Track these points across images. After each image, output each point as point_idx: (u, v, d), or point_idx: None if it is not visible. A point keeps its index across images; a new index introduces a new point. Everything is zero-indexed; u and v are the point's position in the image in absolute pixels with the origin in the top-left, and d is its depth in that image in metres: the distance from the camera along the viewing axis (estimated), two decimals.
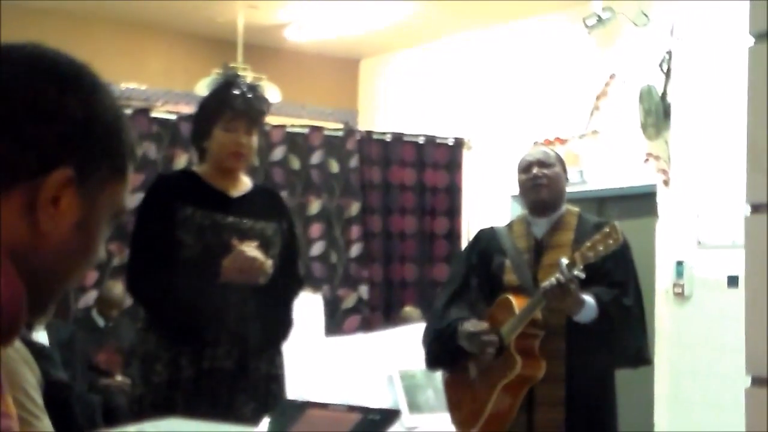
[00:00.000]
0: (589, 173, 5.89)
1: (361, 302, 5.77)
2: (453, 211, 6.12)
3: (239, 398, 2.60)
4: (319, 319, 4.92)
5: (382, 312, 5.88)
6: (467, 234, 6.06)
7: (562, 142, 6.16)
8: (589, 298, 2.74)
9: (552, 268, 2.76)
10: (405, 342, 4.52)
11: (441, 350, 2.97)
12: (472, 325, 2.84)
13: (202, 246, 2.58)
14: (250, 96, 2.69)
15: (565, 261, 2.67)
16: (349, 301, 5.74)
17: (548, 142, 6.20)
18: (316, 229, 5.68)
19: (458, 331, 2.86)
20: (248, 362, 2.61)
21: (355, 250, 5.78)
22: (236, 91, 2.68)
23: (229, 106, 2.65)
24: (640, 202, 5.59)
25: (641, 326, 2.86)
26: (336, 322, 5.62)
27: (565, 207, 2.99)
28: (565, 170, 3.02)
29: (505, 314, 2.84)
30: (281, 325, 2.73)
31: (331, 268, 5.70)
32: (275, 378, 2.69)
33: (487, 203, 6.66)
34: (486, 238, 3.07)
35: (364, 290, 5.78)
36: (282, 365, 2.74)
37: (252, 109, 2.68)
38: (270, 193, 2.92)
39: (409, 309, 5.68)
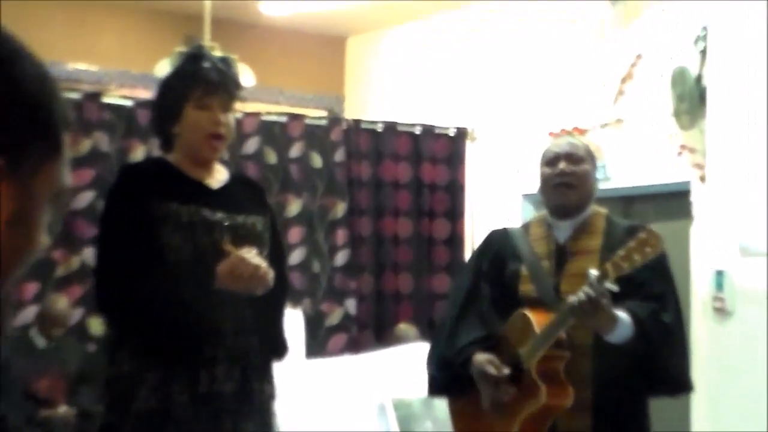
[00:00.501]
0: (613, 168, 5.90)
1: (348, 318, 5.78)
2: (455, 213, 6.14)
3: (241, 425, 2.62)
4: (299, 338, 4.91)
5: (372, 330, 5.90)
6: (471, 239, 6.14)
7: (582, 132, 6.15)
8: (623, 315, 2.73)
9: (576, 278, 2.79)
10: (399, 365, 4.60)
11: (449, 378, 3.00)
12: (489, 365, 2.85)
13: (192, 247, 2.58)
14: (223, 67, 2.71)
15: (594, 272, 2.66)
16: (334, 317, 5.76)
17: (565, 133, 6.19)
18: (295, 234, 5.68)
19: (472, 364, 2.88)
20: (251, 383, 2.65)
21: (340, 257, 5.80)
22: (207, 63, 2.69)
23: (201, 80, 2.66)
24: (673, 202, 5.59)
25: (682, 347, 2.86)
26: (319, 341, 5.64)
27: (592, 208, 2.99)
28: (594, 166, 3.02)
29: (523, 333, 2.84)
30: (280, 337, 2.78)
31: (313, 278, 5.71)
32: (274, 398, 2.76)
33: (495, 203, 6.71)
34: (498, 241, 3.09)
35: (351, 304, 5.80)
36: (275, 382, 2.80)
37: (228, 81, 2.70)
38: (250, 184, 2.94)
39: (403, 326, 5.68)
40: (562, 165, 2.94)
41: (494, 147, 6.67)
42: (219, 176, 2.77)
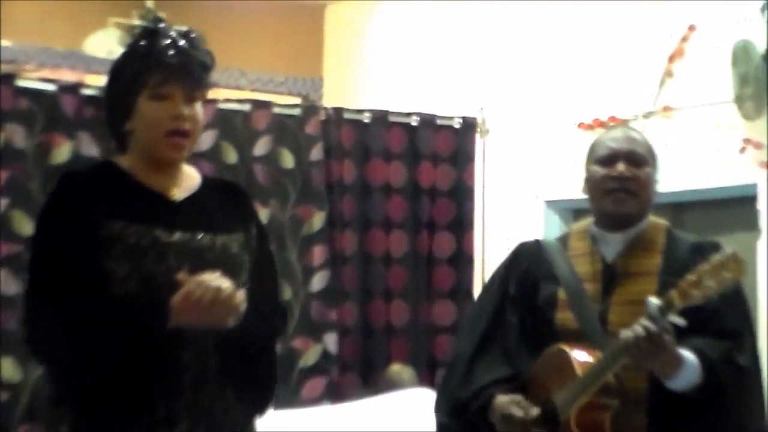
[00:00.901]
0: (659, 168, 5.83)
1: (328, 358, 5.75)
2: (461, 225, 6.12)
3: None
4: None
5: (358, 372, 5.88)
6: (482, 258, 6.13)
7: (619, 123, 6.12)
8: (688, 355, 2.74)
9: (628, 306, 2.83)
10: (391, 416, 4.65)
11: (463, 427, 3.04)
12: (514, 405, 2.88)
13: (139, 277, 2.60)
14: (186, 46, 2.70)
15: (656, 301, 2.66)
16: (310, 356, 5.73)
17: (599, 124, 6.28)
18: None
19: (492, 408, 2.92)
20: None
21: (318, 281, 5.77)
22: (165, 41, 2.69)
23: (157, 63, 2.67)
24: (734, 210, 5.59)
25: (759, 395, 2.86)
26: (290, 387, 5.61)
27: (649, 219, 3.03)
28: (656, 167, 3.06)
29: (560, 374, 2.87)
30: (261, 383, 2.80)
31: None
32: None
33: (511, 212, 6.74)
34: (529, 257, 3.15)
35: (331, 340, 5.76)
36: None
37: (193, 63, 2.70)
38: (229, 190, 2.94)
39: (397, 368, 5.65)
40: (621, 167, 2.96)
41: (510, 142, 6.69)
42: (187, 183, 2.78)
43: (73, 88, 5.26)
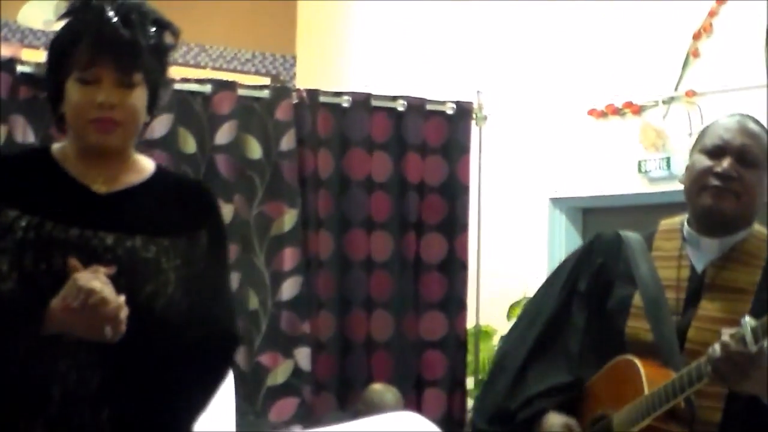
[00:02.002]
0: (682, 162, 5.75)
1: (300, 375, 5.75)
2: (454, 225, 6.12)
3: None
4: (228, 405, 4.82)
5: (333, 392, 5.89)
6: (477, 263, 6.16)
7: (636, 110, 6.30)
8: None
9: (715, 325, 2.82)
10: None
11: None
12: (564, 428, 2.95)
13: (18, 275, 2.61)
14: (120, 22, 2.68)
15: (751, 321, 2.65)
16: (279, 373, 5.74)
17: (613, 110, 6.41)
18: None
19: (541, 424, 2.98)
20: None
21: (288, 288, 5.78)
22: (97, 16, 2.69)
23: (85, 42, 2.66)
24: None
25: None
26: (257, 408, 5.62)
27: (754, 228, 3.02)
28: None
29: (625, 389, 2.89)
30: (163, 417, 2.74)
31: (249, 318, 5.69)
32: None
33: (513, 211, 6.84)
34: (606, 252, 3.16)
35: (303, 356, 5.76)
36: None
37: (127, 44, 2.67)
38: (187, 188, 2.96)
39: (378, 388, 5.66)
40: (727, 163, 2.92)
41: (511, 131, 6.78)
42: (127, 177, 2.77)
43: (6, 65, 5.22)
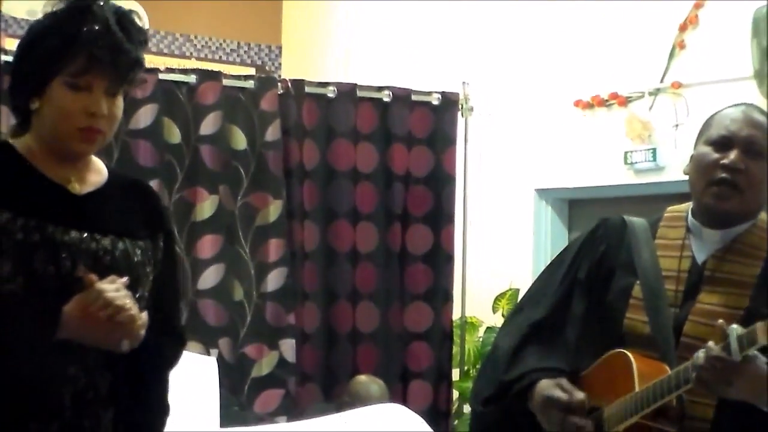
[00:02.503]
0: (668, 154, 5.97)
1: (284, 367, 5.76)
2: (440, 216, 6.14)
3: None
4: (212, 396, 4.85)
5: (318, 384, 5.91)
6: (463, 255, 6.17)
7: (622, 101, 6.28)
8: None
9: (712, 318, 2.78)
10: None
11: (500, 416, 3.09)
12: (556, 388, 2.93)
13: (24, 278, 2.58)
14: (120, 34, 2.66)
15: (738, 329, 2.63)
16: (264, 364, 5.75)
17: (599, 102, 6.39)
18: (207, 245, 5.67)
19: (533, 391, 2.97)
20: None
21: (273, 279, 5.78)
22: (97, 24, 2.65)
23: (84, 50, 2.63)
24: None
25: None
26: (241, 400, 5.62)
27: (761, 218, 2.99)
28: None
29: (616, 383, 2.89)
30: (153, 411, 2.83)
31: (234, 309, 5.71)
32: None
33: (499, 202, 6.86)
34: (610, 238, 3.13)
35: (288, 347, 5.76)
36: None
37: (124, 57, 2.67)
38: (138, 188, 2.97)
39: (364, 379, 5.68)
40: (734, 155, 2.88)
41: (497, 121, 6.75)
42: (92, 177, 2.78)
43: None
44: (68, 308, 2.53)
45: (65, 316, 2.53)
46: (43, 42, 2.68)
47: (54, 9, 2.76)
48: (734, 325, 2.64)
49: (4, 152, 2.72)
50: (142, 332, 2.59)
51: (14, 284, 2.57)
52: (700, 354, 2.66)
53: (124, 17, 2.73)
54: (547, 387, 2.96)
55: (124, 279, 2.60)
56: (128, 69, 2.69)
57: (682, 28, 5.92)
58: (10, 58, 5.01)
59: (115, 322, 2.53)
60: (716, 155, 2.92)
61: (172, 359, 2.87)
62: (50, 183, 2.68)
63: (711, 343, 2.66)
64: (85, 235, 2.65)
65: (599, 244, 3.15)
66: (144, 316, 2.60)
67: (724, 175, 2.88)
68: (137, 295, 2.67)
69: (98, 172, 2.79)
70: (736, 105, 3.06)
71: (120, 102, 2.70)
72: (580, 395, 2.90)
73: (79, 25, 2.65)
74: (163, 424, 2.84)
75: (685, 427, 2.82)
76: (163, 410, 2.84)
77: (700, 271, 2.94)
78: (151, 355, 2.71)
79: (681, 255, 2.96)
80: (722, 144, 2.92)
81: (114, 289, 2.55)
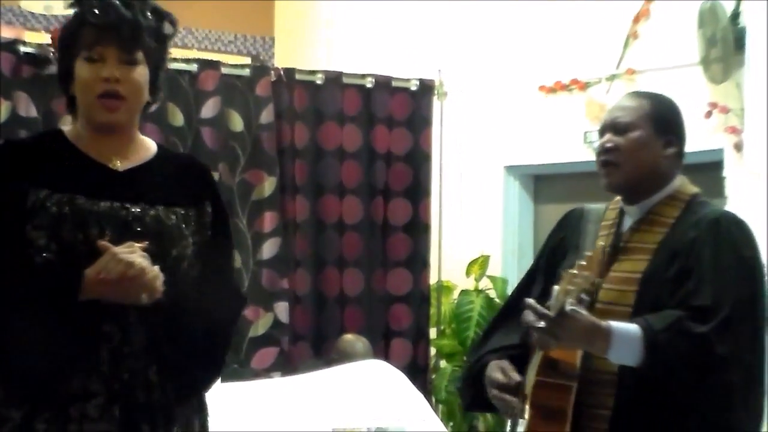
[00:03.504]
0: (675, 127, 5.87)
1: (278, 327, 5.77)
2: (418, 191, 6.14)
3: None
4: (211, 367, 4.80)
5: (309, 342, 5.91)
6: (439, 225, 6.19)
7: (581, 86, 6.23)
8: (628, 328, 2.71)
9: (620, 285, 2.84)
10: (345, 389, 4.62)
11: (470, 393, 3.13)
12: (497, 370, 2.95)
13: (57, 246, 2.60)
14: (120, 4, 2.67)
15: (556, 288, 2.70)
16: (260, 325, 5.76)
17: (561, 86, 6.34)
18: None
19: (485, 373, 2.99)
20: (139, 427, 2.64)
21: (268, 248, 5.79)
22: (101, 1, 2.67)
23: (90, 23, 2.66)
24: (699, 177, 5.33)
25: (742, 380, 2.72)
26: (239, 358, 5.63)
27: (674, 187, 2.96)
28: (668, 129, 2.96)
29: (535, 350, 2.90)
30: (196, 366, 2.76)
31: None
32: None
33: (471, 178, 6.77)
34: (569, 226, 3.14)
35: (282, 309, 5.78)
36: (204, 423, 2.81)
37: (127, 23, 2.65)
38: (187, 162, 2.96)
39: (350, 338, 5.67)
40: (605, 137, 2.93)
41: (469, 105, 6.69)
42: (137, 154, 2.76)
43: (9, 46, 5.19)
44: (88, 271, 2.54)
45: (86, 278, 2.53)
46: (63, 31, 2.72)
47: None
48: (556, 286, 2.69)
49: (52, 137, 2.75)
50: (158, 283, 2.57)
51: (50, 253, 2.58)
52: (527, 312, 2.73)
53: None
54: (491, 368, 2.98)
55: (143, 243, 2.58)
56: (134, 35, 2.65)
57: (636, 19, 5.87)
58: (29, 50, 5.21)
59: (128, 278, 2.52)
60: (598, 143, 2.98)
61: (233, 312, 2.88)
62: (92, 162, 2.68)
63: (531, 302, 2.73)
64: (116, 204, 2.63)
65: (559, 233, 3.15)
66: (155, 268, 2.57)
67: (603, 157, 2.91)
68: (173, 255, 2.66)
69: (145, 150, 2.77)
70: (623, 97, 3.07)
71: (140, 70, 2.66)
72: (515, 376, 2.90)
73: (85, 6, 2.67)
74: (211, 376, 2.77)
75: (594, 380, 2.83)
76: (214, 364, 2.79)
77: (618, 244, 2.93)
78: (201, 309, 2.69)
79: (609, 232, 2.96)
80: (601, 132, 2.96)
81: (127, 251, 2.54)
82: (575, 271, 2.65)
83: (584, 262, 2.67)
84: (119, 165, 2.71)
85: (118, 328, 2.62)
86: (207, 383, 2.77)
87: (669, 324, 2.68)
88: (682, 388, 2.71)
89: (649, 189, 2.92)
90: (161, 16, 2.75)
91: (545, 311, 2.66)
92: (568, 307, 2.64)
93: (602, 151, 2.92)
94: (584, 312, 2.69)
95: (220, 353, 2.81)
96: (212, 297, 2.72)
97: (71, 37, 2.68)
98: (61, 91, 2.78)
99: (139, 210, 2.66)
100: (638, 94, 3.06)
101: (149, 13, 2.72)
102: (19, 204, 2.59)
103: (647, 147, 2.91)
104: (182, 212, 2.72)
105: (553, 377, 2.80)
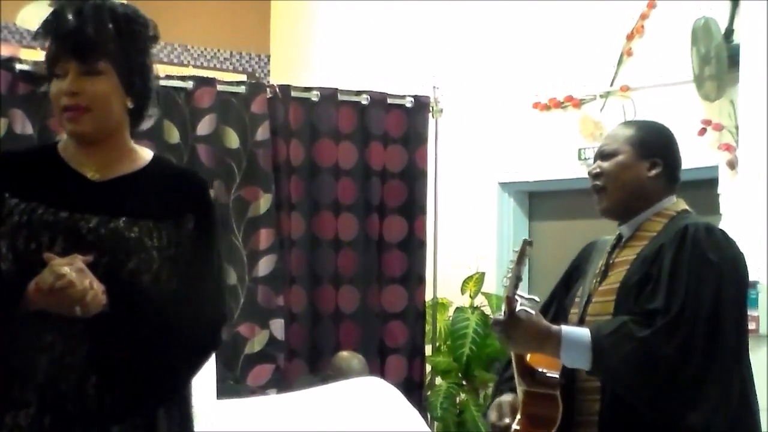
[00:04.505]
0: (664, 151, 5.89)
1: (274, 344, 5.75)
2: (413, 208, 6.12)
3: None
4: (209, 371, 4.80)
5: (305, 359, 5.89)
6: (434, 241, 6.16)
7: (576, 103, 6.27)
8: (577, 333, 2.83)
9: (606, 297, 2.93)
10: (340, 407, 4.59)
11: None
12: (494, 409, 3.05)
13: (13, 256, 2.61)
14: (74, 15, 2.64)
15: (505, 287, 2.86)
16: (256, 342, 5.75)
17: (555, 103, 6.36)
18: None
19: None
20: None
21: (264, 265, 5.77)
22: (58, 17, 2.66)
23: (52, 41, 2.66)
24: (693, 194, 5.46)
25: (691, 379, 2.77)
26: (235, 375, 5.62)
27: (663, 205, 3.04)
28: (652, 152, 3.05)
29: None
30: (143, 384, 2.67)
31: (229, 293, 5.65)
32: None
33: (466, 195, 6.79)
34: (584, 255, 3.24)
35: (277, 326, 5.76)
36: None
37: (81, 36, 2.63)
38: (177, 175, 2.88)
39: (345, 355, 5.66)
40: (594, 164, 3.08)
41: (464, 122, 6.69)
42: (122, 165, 2.71)
43: (5, 63, 5.18)
44: (30, 283, 2.52)
45: (29, 290, 2.52)
46: (47, 49, 2.70)
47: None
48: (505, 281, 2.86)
49: (44, 150, 2.77)
50: (89, 297, 2.51)
51: (7, 262, 2.59)
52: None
53: (81, 5, 2.67)
54: (492, 406, 3.10)
55: (88, 256, 2.54)
56: (91, 47, 2.62)
57: (630, 37, 5.92)
58: (25, 67, 5.20)
59: (57, 290, 2.48)
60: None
61: (199, 329, 2.71)
62: (72, 172, 2.66)
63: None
64: (76, 215, 2.62)
65: (576, 261, 3.24)
66: (96, 285, 2.52)
67: (592, 183, 3.06)
68: (128, 268, 2.61)
69: (134, 161, 2.73)
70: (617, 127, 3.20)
71: (104, 79, 2.63)
72: (506, 420, 2.98)
73: (52, 21, 2.65)
74: (169, 390, 2.71)
75: (583, 390, 2.93)
76: (179, 381, 2.73)
77: (608, 261, 3.04)
78: (175, 328, 2.64)
79: (606, 253, 3.07)
80: (594, 161, 3.11)
81: (64, 262, 2.51)
82: (510, 266, 2.82)
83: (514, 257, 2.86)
84: (98, 176, 2.68)
85: (62, 338, 2.58)
86: (155, 402, 2.68)
87: (614, 328, 2.79)
88: (629, 389, 2.81)
89: (637, 208, 3.01)
90: (132, 21, 2.69)
91: (498, 316, 2.85)
92: (518, 308, 2.79)
93: (592, 177, 3.06)
94: (533, 313, 2.83)
95: (180, 373, 2.72)
96: (179, 313, 2.65)
97: (46, 55, 2.67)
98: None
99: (96, 222, 2.62)
100: (627, 123, 3.23)
101: (117, 20, 2.66)
102: None
103: (630, 169, 3.02)
104: (151, 225, 2.66)
105: (536, 386, 2.91)
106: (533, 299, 2.92)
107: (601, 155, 3.05)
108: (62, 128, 2.68)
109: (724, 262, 2.85)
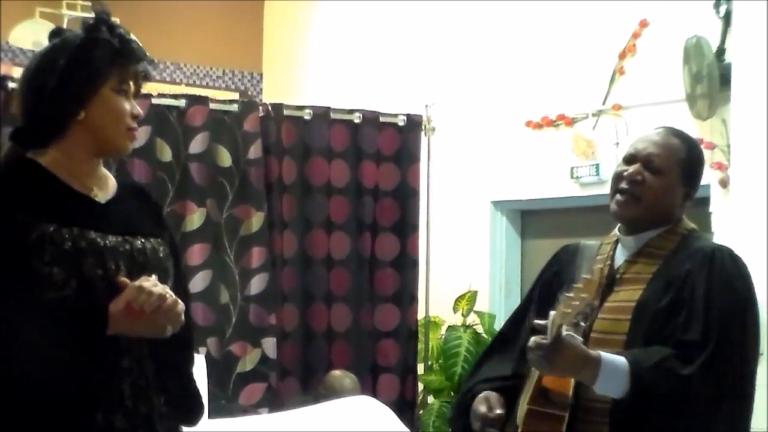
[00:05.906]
0: (610, 169, 5.71)
1: (266, 363, 5.74)
2: (405, 226, 6.13)
3: None
4: (202, 389, 4.70)
5: (297, 378, 5.88)
6: (426, 260, 6.15)
7: (568, 122, 6.26)
8: (616, 361, 2.77)
9: (615, 314, 2.90)
10: (333, 426, 4.61)
11: (460, 424, 3.13)
12: (482, 402, 2.98)
13: (77, 282, 2.57)
14: (137, 43, 2.72)
15: (553, 313, 2.73)
16: (248, 361, 5.74)
17: (547, 122, 6.36)
18: (196, 253, 5.63)
19: (472, 406, 3.03)
20: None
21: (256, 284, 5.76)
22: (125, 36, 2.69)
23: (124, 57, 2.67)
24: (686, 212, 5.55)
25: (724, 413, 2.80)
26: (227, 393, 5.60)
27: (673, 223, 3.04)
28: (692, 181, 3.06)
29: (530, 379, 2.95)
30: (192, 394, 2.82)
31: (221, 311, 5.67)
32: None
33: (458, 213, 6.79)
34: (564, 260, 3.19)
35: (270, 345, 5.75)
36: None
37: (145, 58, 2.72)
38: (142, 195, 2.95)
39: (338, 374, 5.67)
40: (632, 168, 2.97)
41: (456, 140, 6.70)
42: (107, 186, 2.76)
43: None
44: (113, 307, 2.53)
45: (113, 314, 2.53)
46: (88, 58, 2.67)
47: (84, 27, 2.73)
48: (553, 312, 2.73)
49: (32, 168, 2.67)
50: (182, 317, 2.60)
51: (68, 288, 2.56)
52: (532, 338, 2.77)
53: (118, 25, 2.71)
54: (477, 400, 3.04)
55: (154, 276, 2.60)
56: (148, 72, 2.72)
57: (622, 56, 5.92)
58: (16, 85, 5.18)
59: (160, 311, 2.54)
60: (620, 170, 3.01)
61: (190, 345, 2.86)
62: (77, 193, 2.67)
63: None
64: (120, 238, 2.65)
65: (554, 266, 3.20)
66: (181, 303, 2.60)
67: (623, 185, 2.97)
68: (168, 286, 2.66)
69: (109, 181, 2.78)
70: (657, 128, 3.11)
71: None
72: (498, 411, 2.96)
73: (113, 38, 2.66)
74: (202, 403, 2.83)
75: (589, 412, 2.88)
76: (198, 392, 2.83)
77: (614, 275, 3.00)
78: (182, 336, 2.69)
79: (604, 264, 3.01)
80: (629, 160, 3.00)
81: (152, 284, 2.56)
82: (572, 294, 2.68)
83: (581, 285, 2.70)
84: (99, 196, 2.71)
85: (135, 362, 2.64)
86: (202, 409, 2.81)
87: (656, 362, 2.75)
88: (664, 424, 2.78)
89: (654, 225, 2.99)
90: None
91: (541, 339, 2.73)
92: (564, 333, 2.70)
93: (629, 180, 2.97)
94: (579, 339, 2.78)
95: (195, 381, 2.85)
96: (188, 324, 2.72)
97: (100, 66, 2.65)
98: (50, 113, 2.69)
99: (140, 243, 2.68)
100: (674, 134, 3.09)
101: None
102: (21, 238, 2.55)
103: (671, 192, 3.00)
104: (159, 241, 2.75)
105: (545, 406, 2.86)
106: (579, 324, 2.87)
107: (647, 163, 2.97)
108: (108, 141, 2.69)
109: (750, 295, 2.89)
